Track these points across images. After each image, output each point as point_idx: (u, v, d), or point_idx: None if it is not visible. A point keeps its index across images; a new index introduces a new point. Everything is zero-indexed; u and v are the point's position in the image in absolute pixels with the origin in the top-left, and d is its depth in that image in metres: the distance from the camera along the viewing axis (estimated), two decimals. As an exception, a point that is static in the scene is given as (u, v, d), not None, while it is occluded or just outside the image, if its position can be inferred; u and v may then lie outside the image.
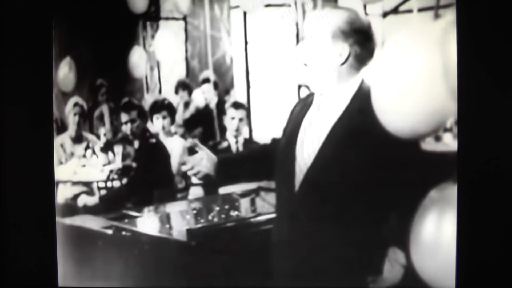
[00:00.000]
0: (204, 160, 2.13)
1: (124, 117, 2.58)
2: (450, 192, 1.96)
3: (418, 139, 1.88)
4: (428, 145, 2.00)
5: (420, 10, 2.12)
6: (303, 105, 2.07)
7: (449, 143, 2.08)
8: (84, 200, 2.54)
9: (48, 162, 2.39)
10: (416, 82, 1.79)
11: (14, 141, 2.37)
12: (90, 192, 2.56)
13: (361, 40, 1.90)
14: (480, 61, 2.05)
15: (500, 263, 2.07)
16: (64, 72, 2.49)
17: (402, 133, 1.85)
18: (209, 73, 2.60)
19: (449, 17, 1.99)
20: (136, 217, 2.45)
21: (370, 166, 1.93)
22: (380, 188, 1.94)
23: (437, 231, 1.92)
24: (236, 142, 2.54)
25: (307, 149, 1.99)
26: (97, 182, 2.57)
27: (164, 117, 2.58)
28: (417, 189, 1.94)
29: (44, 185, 2.38)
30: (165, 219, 2.48)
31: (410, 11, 2.16)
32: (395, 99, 1.82)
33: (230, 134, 2.54)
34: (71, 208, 2.51)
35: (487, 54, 2.06)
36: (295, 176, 2.01)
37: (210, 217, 2.38)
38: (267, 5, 2.44)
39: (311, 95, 2.06)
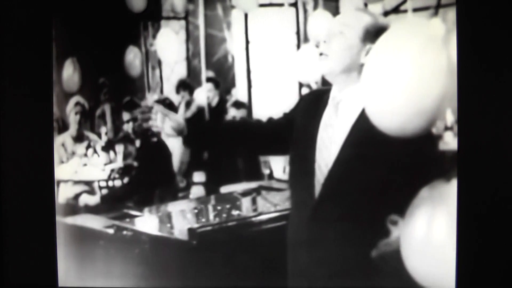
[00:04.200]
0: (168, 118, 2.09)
1: (125, 116, 2.58)
2: (442, 190, 1.96)
3: (412, 138, 1.87)
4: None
5: (419, 9, 2.12)
6: (319, 104, 2.05)
7: (450, 141, 2.09)
8: (85, 199, 2.54)
9: (48, 162, 2.38)
10: (409, 81, 1.79)
11: (14, 141, 2.37)
12: (91, 192, 2.56)
13: None
14: (480, 60, 2.05)
15: (500, 263, 2.07)
16: (68, 73, 2.49)
17: (392, 131, 1.84)
18: (210, 73, 2.61)
19: (446, 16, 2.00)
20: (137, 216, 2.45)
21: (390, 166, 1.93)
22: (400, 187, 1.93)
23: (428, 230, 1.92)
24: (237, 141, 2.53)
25: (328, 150, 1.98)
26: (98, 181, 2.57)
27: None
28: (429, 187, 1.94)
29: (44, 185, 2.38)
30: (167, 219, 2.48)
31: (412, 10, 2.17)
32: (386, 98, 1.82)
33: (231, 133, 2.54)
34: (72, 207, 2.51)
35: (487, 54, 2.06)
36: (316, 178, 2.01)
37: (211, 217, 2.38)
38: (262, 5, 2.45)
39: (325, 92, 2.05)
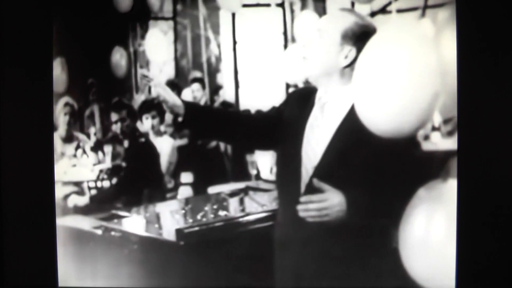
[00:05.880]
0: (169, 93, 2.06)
1: (114, 116, 2.58)
2: (439, 190, 1.96)
3: (405, 138, 1.87)
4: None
5: (408, 10, 2.12)
6: (306, 104, 2.05)
7: (437, 142, 2.09)
8: (74, 200, 2.54)
9: (48, 162, 2.39)
10: (399, 82, 1.79)
11: (14, 141, 2.37)
12: (80, 192, 2.56)
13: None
14: (480, 60, 2.05)
15: (500, 263, 2.07)
16: (57, 73, 2.49)
17: (384, 133, 1.85)
18: (198, 73, 2.61)
19: (435, 16, 1.99)
20: (125, 217, 2.46)
21: (376, 165, 1.93)
22: (386, 188, 1.94)
23: (425, 230, 1.93)
24: (225, 141, 2.53)
25: (314, 150, 1.99)
26: (88, 182, 2.57)
27: (153, 117, 2.59)
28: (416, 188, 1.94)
29: (44, 185, 2.38)
30: (155, 219, 2.48)
31: (398, 10, 2.16)
32: (377, 99, 1.82)
33: (219, 134, 2.54)
34: (62, 208, 2.51)
35: (487, 53, 2.06)
36: (302, 178, 2.01)
37: (199, 217, 2.38)
38: (248, 5, 2.45)
39: (312, 93, 2.04)
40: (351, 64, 1.93)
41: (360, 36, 1.92)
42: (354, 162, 1.93)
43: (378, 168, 1.92)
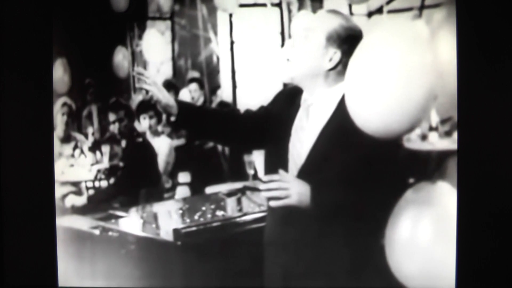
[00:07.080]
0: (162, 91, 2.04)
1: (111, 116, 2.58)
2: (427, 192, 1.96)
3: (394, 139, 1.87)
4: (413, 144, 2.00)
5: (404, 10, 2.12)
6: (293, 104, 2.05)
7: (434, 142, 2.09)
8: (72, 200, 2.54)
9: (48, 162, 2.39)
10: (393, 82, 1.79)
11: (14, 142, 2.37)
12: (78, 192, 2.56)
13: (353, 48, 1.89)
14: (479, 60, 2.05)
15: (499, 263, 2.07)
16: (58, 74, 2.49)
17: (377, 132, 1.85)
18: (195, 73, 2.62)
19: (431, 17, 1.99)
20: (123, 217, 2.46)
21: (359, 167, 1.93)
22: (371, 188, 1.93)
23: (412, 232, 1.93)
24: (222, 141, 2.53)
25: (299, 152, 1.99)
26: (85, 182, 2.57)
27: (151, 117, 2.60)
28: (405, 188, 1.94)
29: (44, 185, 2.38)
30: (152, 219, 2.49)
31: (394, 11, 2.16)
32: (370, 99, 1.82)
33: (216, 134, 2.54)
34: (60, 208, 2.51)
35: (486, 53, 2.06)
36: None
37: (196, 217, 2.38)
38: (245, 5, 2.45)
39: (298, 94, 2.04)
40: (336, 67, 1.93)
41: (345, 39, 1.91)
42: (339, 164, 1.93)
43: (364, 170, 1.91)
